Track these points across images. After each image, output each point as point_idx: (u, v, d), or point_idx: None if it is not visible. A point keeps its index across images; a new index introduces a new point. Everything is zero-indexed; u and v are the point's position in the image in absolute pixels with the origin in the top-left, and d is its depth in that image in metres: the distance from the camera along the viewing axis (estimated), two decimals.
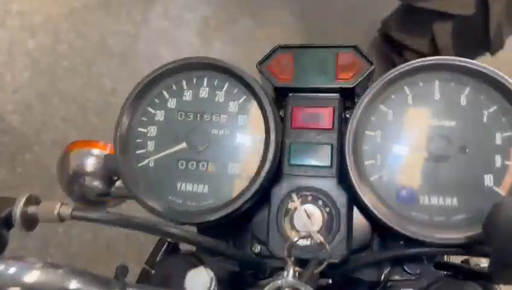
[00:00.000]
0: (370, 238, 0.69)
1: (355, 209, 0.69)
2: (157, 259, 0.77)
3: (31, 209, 0.60)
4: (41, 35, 2.76)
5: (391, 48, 2.62)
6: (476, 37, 2.38)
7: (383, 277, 0.71)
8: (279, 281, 0.56)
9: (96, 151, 0.94)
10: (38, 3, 2.85)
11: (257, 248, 0.72)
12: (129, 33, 2.74)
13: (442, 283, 0.67)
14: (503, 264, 0.50)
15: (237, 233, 0.74)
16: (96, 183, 0.94)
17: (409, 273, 0.70)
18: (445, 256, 0.83)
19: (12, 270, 0.50)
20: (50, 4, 2.87)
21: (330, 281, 0.68)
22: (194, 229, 0.72)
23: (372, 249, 0.71)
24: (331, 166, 0.69)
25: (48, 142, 2.44)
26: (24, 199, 0.60)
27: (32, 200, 0.61)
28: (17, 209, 0.59)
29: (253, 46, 2.72)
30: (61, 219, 0.60)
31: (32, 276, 0.50)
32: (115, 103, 2.52)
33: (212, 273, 0.63)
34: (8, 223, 0.60)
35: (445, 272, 0.72)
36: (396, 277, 0.71)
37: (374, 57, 2.75)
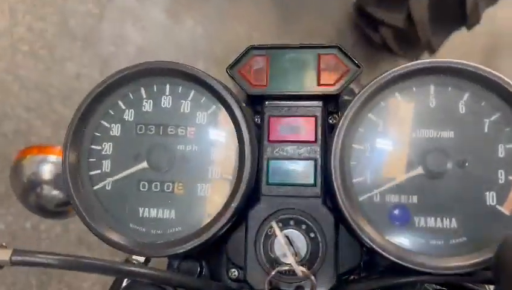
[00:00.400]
0: (360, 259, 0.62)
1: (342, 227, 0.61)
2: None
3: None
4: None
5: (366, 24, 2.56)
6: (453, 11, 2.34)
7: None
8: None
9: (52, 157, 0.85)
10: None
11: (234, 273, 0.64)
12: (92, 13, 2.56)
13: None
14: None
15: (212, 254, 0.66)
16: (55, 193, 0.86)
17: None
18: None
19: None
20: None
21: None
22: None
23: (362, 269, 0.64)
24: (314, 184, 0.61)
25: (10, 133, 2.28)
26: None
27: None
28: None
29: (226, 25, 2.58)
30: None
31: None
32: (80, 88, 2.37)
33: None
34: None
35: (438, 287, 0.66)
36: None
37: (350, 33, 2.68)
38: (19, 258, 0.50)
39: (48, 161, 0.86)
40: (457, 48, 2.68)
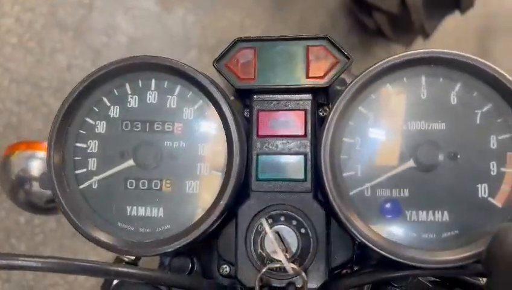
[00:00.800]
0: (352, 253, 0.62)
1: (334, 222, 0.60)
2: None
3: None
4: None
5: (360, 10, 2.54)
6: None
7: None
8: None
9: (41, 153, 0.84)
10: None
11: (225, 269, 0.64)
12: (82, 3, 2.52)
13: None
14: None
15: (203, 250, 0.66)
16: (43, 189, 0.84)
17: (394, 285, 0.63)
18: None
19: None
20: None
21: None
22: None
23: (354, 263, 0.64)
24: (305, 179, 0.59)
25: (1, 127, 2.26)
26: None
27: None
28: None
29: (218, 12, 2.55)
30: None
31: None
32: (72, 80, 2.34)
33: None
34: None
35: (432, 279, 0.65)
36: None
37: (344, 20, 2.66)
38: (3, 262, 0.49)
39: (37, 157, 0.85)
40: (451, 32, 2.66)
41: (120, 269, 0.52)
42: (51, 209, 0.87)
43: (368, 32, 2.66)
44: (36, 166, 0.85)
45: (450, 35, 2.67)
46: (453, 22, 2.53)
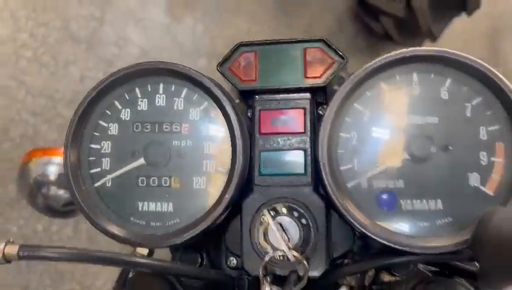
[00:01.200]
0: (352, 244, 0.65)
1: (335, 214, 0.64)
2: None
3: None
4: None
5: (367, 14, 2.57)
6: None
7: (369, 281, 0.67)
8: None
9: (57, 159, 0.89)
10: None
11: (232, 262, 0.67)
12: (94, 16, 2.60)
13: (431, 282, 0.64)
14: (488, 282, 0.46)
15: (211, 244, 0.69)
16: (62, 193, 0.89)
17: (395, 274, 0.66)
18: None
19: None
20: None
21: None
22: None
23: (354, 253, 0.67)
24: (305, 173, 0.63)
25: (18, 138, 2.33)
26: None
27: None
28: None
29: (226, 21, 2.61)
30: (7, 260, 0.54)
31: None
32: (85, 91, 2.39)
33: None
34: None
35: (432, 269, 0.68)
36: (382, 279, 0.67)
37: (351, 24, 2.69)
38: (26, 252, 0.53)
39: (53, 162, 0.90)
40: (459, 34, 2.68)
41: (136, 259, 0.56)
42: (68, 213, 0.92)
43: (375, 36, 2.69)
44: (53, 171, 0.89)
45: (458, 38, 2.69)
46: (460, 23, 2.55)
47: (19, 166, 0.93)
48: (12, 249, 0.53)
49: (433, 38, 2.49)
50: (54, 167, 0.90)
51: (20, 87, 2.46)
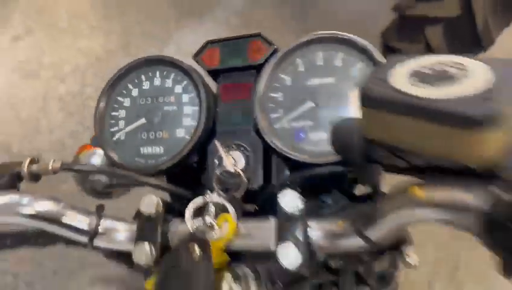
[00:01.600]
0: (287, 173, 0.91)
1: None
2: None
3: (33, 167, 0.86)
4: (71, 81, 3.16)
5: (407, 32, 2.62)
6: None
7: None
8: (206, 196, 0.79)
9: (100, 151, 1.20)
10: (67, 54, 3.28)
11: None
12: None
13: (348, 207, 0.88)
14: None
15: (196, 185, 0.98)
16: (102, 178, 1.20)
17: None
18: None
19: (25, 200, 0.77)
20: (78, 55, 3.30)
21: (256, 208, 0.90)
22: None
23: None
24: (249, 122, 0.92)
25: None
26: (28, 160, 0.86)
27: (34, 161, 0.87)
28: (24, 168, 0.85)
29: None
30: (54, 171, 0.86)
31: (40, 205, 0.78)
32: None
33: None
34: (19, 177, 0.86)
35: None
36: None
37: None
38: (66, 166, 0.85)
39: (96, 154, 1.22)
40: None
41: (145, 178, 0.84)
42: (107, 194, 1.22)
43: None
44: (96, 161, 1.21)
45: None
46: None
47: (73, 157, 1.25)
48: (57, 164, 0.86)
49: (489, 40, 2.47)
50: (96, 157, 1.21)
51: (85, 131, 2.94)
